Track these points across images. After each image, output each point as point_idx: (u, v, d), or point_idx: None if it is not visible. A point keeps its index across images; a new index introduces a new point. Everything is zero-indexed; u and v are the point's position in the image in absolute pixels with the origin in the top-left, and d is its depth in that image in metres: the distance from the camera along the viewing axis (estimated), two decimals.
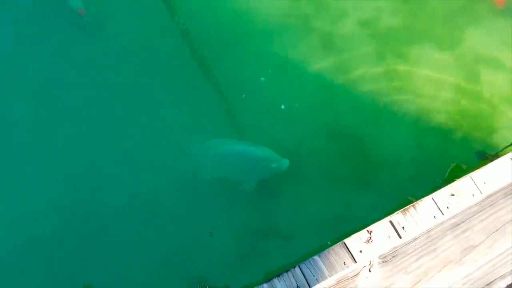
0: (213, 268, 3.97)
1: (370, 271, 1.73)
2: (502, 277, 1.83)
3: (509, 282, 1.96)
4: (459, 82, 4.60)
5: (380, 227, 3.11)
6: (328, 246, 3.08)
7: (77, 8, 4.84)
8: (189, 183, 4.25)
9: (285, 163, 4.17)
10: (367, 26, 4.84)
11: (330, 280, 1.72)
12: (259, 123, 4.48)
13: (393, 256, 1.81)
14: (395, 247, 1.82)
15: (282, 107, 4.53)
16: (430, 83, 4.59)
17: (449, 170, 4.13)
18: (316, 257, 3.04)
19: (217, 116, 4.49)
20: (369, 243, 2.97)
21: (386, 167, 4.30)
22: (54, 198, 4.22)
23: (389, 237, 3.02)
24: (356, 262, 2.75)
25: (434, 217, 3.03)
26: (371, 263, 1.76)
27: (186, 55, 4.72)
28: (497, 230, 1.87)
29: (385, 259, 1.78)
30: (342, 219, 4.08)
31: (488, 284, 1.81)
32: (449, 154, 4.29)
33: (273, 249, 4.02)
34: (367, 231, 3.11)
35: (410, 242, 1.80)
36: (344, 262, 2.99)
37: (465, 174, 3.23)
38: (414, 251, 1.85)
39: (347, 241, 3.10)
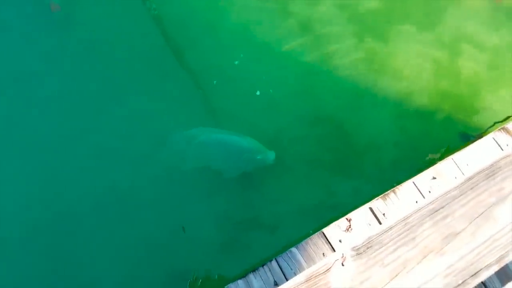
0: (195, 260, 3.84)
1: (343, 265, 1.60)
2: (488, 266, 1.69)
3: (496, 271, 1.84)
4: (439, 63, 4.49)
5: (360, 214, 2.99)
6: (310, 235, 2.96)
7: (49, 2, 4.65)
8: (168, 174, 4.10)
9: (271, 155, 4.02)
10: (345, 8, 4.68)
11: (299, 277, 1.59)
12: (237, 111, 4.33)
13: (368, 248, 1.67)
14: (369, 237, 1.68)
15: (258, 93, 4.42)
16: (411, 65, 4.48)
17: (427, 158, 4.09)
18: (293, 249, 2.91)
19: (194, 104, 4.34)
20: (349, 232, 2.85)
21: (369, 152, 4.19)
22: (23, 195, 4.02)
23: (370, 224, 2.90)
24: (335, 252, 2.63)
25: (416, 202, 2.92)
26: (344, 256, 1.63)
27: (160, 42, 4.55)
28: (479, 215, 1.73)
29: (358, 251, 1.64)
30: (326, 207, 3.97)
31: (473, 275, 1.67)
32: (432, 137, 4.22)
33: (256, 240, 3.89)
34: (346, 219, 2.98)
35: (386, 231, 1.66)
36: (323, 253, 2.87)
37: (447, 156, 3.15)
38: (390, 241, 1.71)
39: (325, 230, 2.96)
